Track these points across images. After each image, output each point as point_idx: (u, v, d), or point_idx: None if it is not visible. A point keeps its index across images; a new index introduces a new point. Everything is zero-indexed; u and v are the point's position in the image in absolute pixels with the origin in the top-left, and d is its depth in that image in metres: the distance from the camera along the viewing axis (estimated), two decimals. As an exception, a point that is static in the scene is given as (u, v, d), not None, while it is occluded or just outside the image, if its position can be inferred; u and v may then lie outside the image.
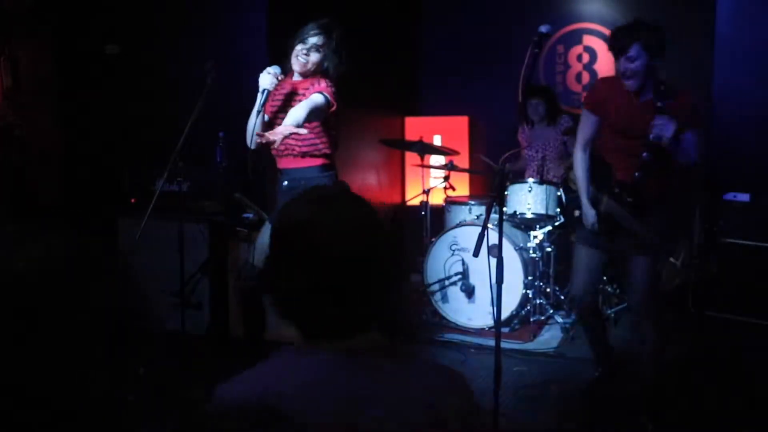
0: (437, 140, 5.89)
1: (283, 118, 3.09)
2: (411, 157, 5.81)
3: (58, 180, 4.89)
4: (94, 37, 4.97)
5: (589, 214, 3.11)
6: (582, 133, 3.18)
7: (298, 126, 2.89)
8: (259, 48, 4.62)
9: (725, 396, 3.34)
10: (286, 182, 3.20)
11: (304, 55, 3.10)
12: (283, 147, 3.10)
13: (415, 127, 6.05)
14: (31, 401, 0.71)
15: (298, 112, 2.95)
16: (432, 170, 5.33)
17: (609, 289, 4.56)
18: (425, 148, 4.73)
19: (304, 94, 3.12)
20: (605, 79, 3.27)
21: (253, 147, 3.18)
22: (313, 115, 3.01)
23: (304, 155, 3.16)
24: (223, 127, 4.16)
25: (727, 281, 4.33)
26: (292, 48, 3.13)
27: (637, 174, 2.94)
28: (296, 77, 3.20)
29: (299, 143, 3.13)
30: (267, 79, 3.05)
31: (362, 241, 1.17)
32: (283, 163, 3.22)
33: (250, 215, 4.15)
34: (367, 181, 5.67)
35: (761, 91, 4.50)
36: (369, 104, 5.41)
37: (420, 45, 6.32)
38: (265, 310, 3.34)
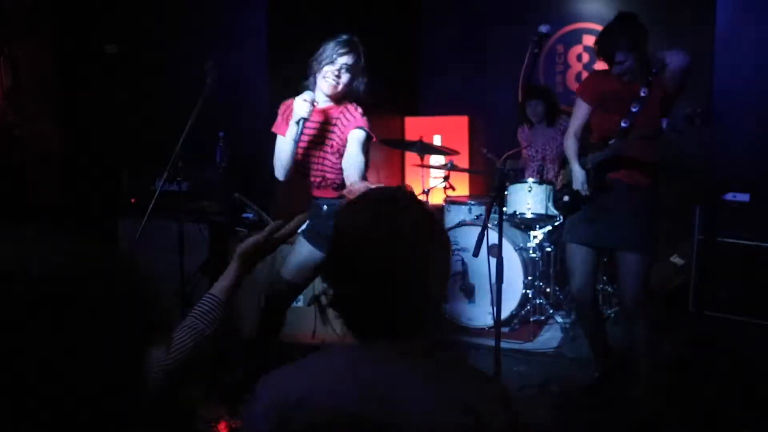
0: (437, 140, 5.89)
1: (311, 149, 2.98)
2: (411, 157, 5.82)
3: (58, 180, 4.89)
4: (94, 37, 4.97)
5: (579, 174, 3.21)
6: (574, 120, 3.32)
7: (364, 177, 2.85)
8: (259, 48, 4.62)
9: (725, 396, 3.35)
10: (325, 207, 3.08)
11: (335, 77, 2.89)
12: (320, 179, 3.02)
13: (414, 126, 6.05)
14: (31, 401, 0.71)
15: (359, 165, 2.86)
16: (432, 170, 5.33)
17: (609, 289, 4.56)
18: (425, 148, 4.73)
19: (336, 124, 2.98)
20: (597, 72, 3.39)
21: (282, 178, 3.04)
22: (365, 156, 2.94)
23: (340, 188, 3.02)
24: (223, 127, 4.16)
25: (727, 281, 4.33)
26: (317, 69, 2.92)
27: (611, 141, 3.08)
28: (323, 102, 3.01)
29: (339, 176, 3.01)
30: (304, 107, 2.84)
31: (416, 246, 1.18)
32: (320, 193, 3.10)
33: (250, 215, 4.15)
34: (368, 180, 5.67)
35: (761, 90, 4.50)
36: (369, 104, 5.41)
37: (420, 45, 6.33)
38: (285, 317, 3.30)
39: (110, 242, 0.84)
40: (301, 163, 3.04)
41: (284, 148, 2.97)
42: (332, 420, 1.12)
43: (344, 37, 2.94)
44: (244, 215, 4.21)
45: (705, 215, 4.48)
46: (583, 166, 3.22)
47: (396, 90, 6.05)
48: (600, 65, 3.23)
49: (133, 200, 4.43)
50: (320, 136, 3.01)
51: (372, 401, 1.13)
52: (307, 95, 2.87)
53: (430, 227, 1.23)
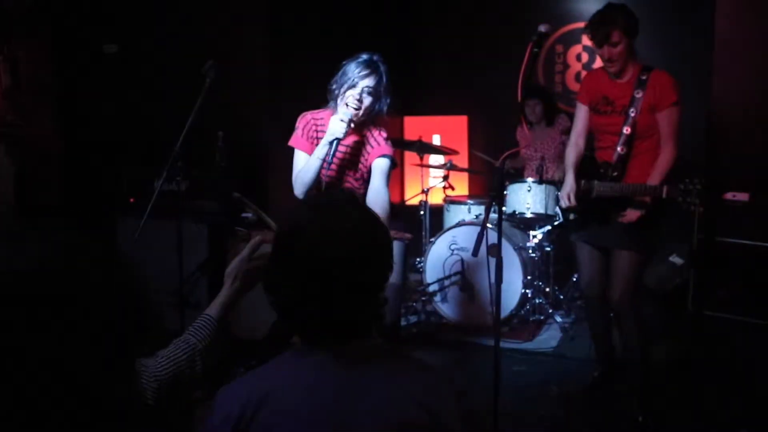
0: (436, 140, 5.89)
1: (334, 171, 2.90)
2: (410, 157, 5.81)
3: (58, 180, 4.89)
4: (94, 37, 4.97)
5: (569, 186, 3.20)
6: (575, 125, 3.33)
7: (389, 212, 2.80)
8: (259, 48, 4.63)
9: (724, 396, 3.35)
10: None
11: (356, 102, 2.78)
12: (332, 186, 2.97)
13: (414, 126, 6.05)
14: (31, 400, 0.71)
15: (384, 202, 2.80)
16: (431, 170, 5.33)
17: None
18: (424, 148, 4.73)
19: (361, 149, 2.94)
20: (590, 72, 3.44)
21: (302, 197, 2.92)
22: (388, 181, 2.90)
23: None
24: (222, 127, 4.16)
25: (727, 281, 4.33)
26: (338, 92, 2.83)
27: (619, 148, 3.08)
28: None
29: (363, 188, 2.98)
30: (341, 127, 2.75)
31: (357, 247, 1.18)
32: None
33: (250, 215, 4.15)
34: (367, 180, 5.67)
35: (761, 91, 4.50)
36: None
37: (419, 44, 6.32)
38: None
39: (106, 242, 0.83)
40: (320, 185, 2.93)
41: (310, 166, 2.84)
42: (288, 423, 1.13)
43: (365, 57, 2.84)
44: (244, 215, 4.20)
45: (705, 215, 4.47)
46: (587, 190, 3.17)
47: (396, 90, 6.04)
48: (599, 65, 3.22)
49: (132, 200, 4.43)
50: (343, 159, 2.94)
51: (326, 401, 1.14)
52: (345, 115, 2.76)
53: (371, 232, 1.22)
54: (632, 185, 3.05)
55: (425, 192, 4.85)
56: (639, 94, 3.03)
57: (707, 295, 4.41)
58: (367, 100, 2.81)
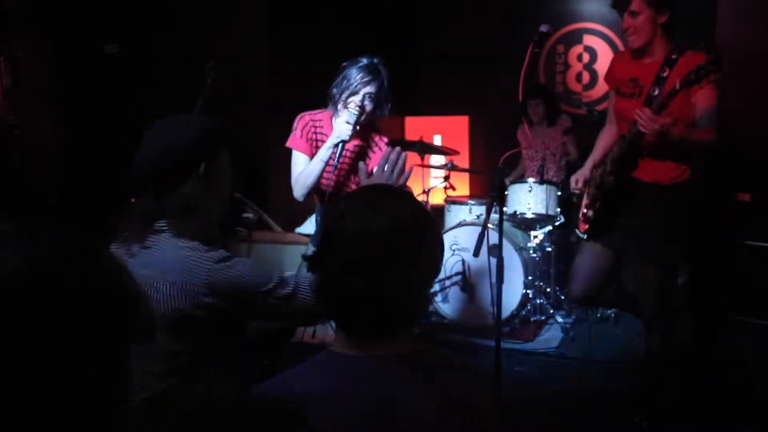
0: (437, 140, 5.89)
1: (335, 179, 2.87)
2: (411, 157, 5.80)
3: (58, 180, 4.89)
4: (94, 37, 4.97)
5: (586, 167, 3.02)
6: (608, 111, 3.11)
7: None
8: (259, 48, 4.62)
9: (725, 396, 3.34)
10: None
11: (358, 108, 2.76)
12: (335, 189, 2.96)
13: (415, 126, 6.05)
14: (29, 401, 0.71)
15: None
16: (432, 170, 5.33)
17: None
18: (425, 148, 4.73)
19: (361, 153, 2.94)
20: (618, 54, 3.18)
21: (301, 199, 2.91)
22: None
23: None
24: (222, 126, 4.15)
25: (727, 281, 4.33)
26: (338, 98, 2.80)
27: (632, 129, 2.69)
28: None
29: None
30: (347, 129, 2.73)
31: (407, 244, 1.17)
32: None
33: (250, 215, 4.15)
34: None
35: (762, 91, 4.49)
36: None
37: (420, 45, 6.32)
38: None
39: (97, 238, 0.82)
40: (320, 188, 2.91)
41: (312, 169, 2.82)
42: (326, 426, 1.11)
43: (365, 61, 2.81)
44: (244, 215, 4.20)
45: (705, 215, 4.47)
46: (606, 164, 2.91)
47: (396, 90, 6.04)
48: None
49: (133, 200, 4.42)
50: (345, 163, 2.91)
51: (364, 402, 1.12)
52: (350, 117, 2.74)
53: (425, 222, 1.22)
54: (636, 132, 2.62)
55: (426, 192, 4.84)
56: (665, 73, 2.69)
57: (707, 295, 4.40)
58: (369, 106, 2.79)
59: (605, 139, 3.06)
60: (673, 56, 2.71)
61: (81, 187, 4.85)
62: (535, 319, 4.53)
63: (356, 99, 2.77)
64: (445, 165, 4.77)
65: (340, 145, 2.75)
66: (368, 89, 2.77)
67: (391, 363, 1.16)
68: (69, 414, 0.72)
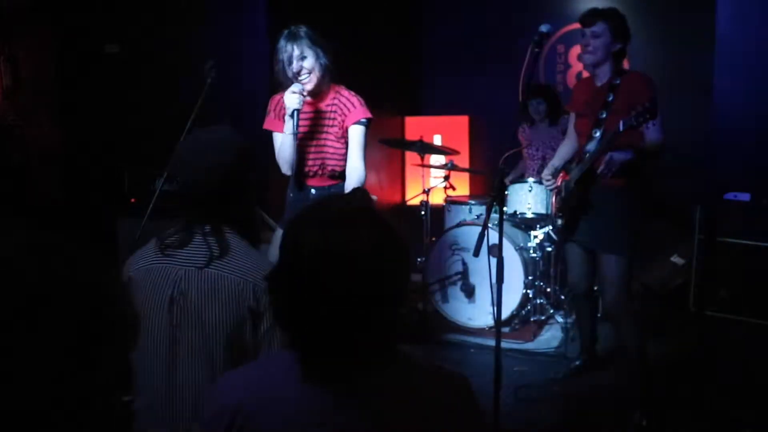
0: (437, 140, 5.89)
1: (310, 138, 3.02)
2: (411, 157, 5.81)
3: (58, 180, 4.89)
4: (94, 37, 4.97)
5: (549, 169, 3.42)
6: (568, 129, 3.57)
7: (363, 173, 2.98)
8: (259, 48, 4.62)
9: (726, 396, 3.34)
10: (314, 190, 3.11)
11: (296, 74, 2.92)
12: (317, 167, 3.05)
13: (415, 126, 6.05)
14: (27, 400, 0.70)
15: (360, 173, 2.97)
16: (432, 170, 5.33)
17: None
18: (425, 148, 4.73)
19: (335, 111, 3.01)
20: (580, 80, 3.61)
21: (289, 173, 3.06)
22: (365, 149, 3.02)
23: (337, 176, 3.08)
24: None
25: (728, 281, 4.33)
26: (282, 74, 2.96)
27: (585, 153, 3.13)
28: (313, 95, 3.04)
29: (340, 164, 3.06)
30: (294, 99, 2.88)
31: (362, 270, 1.09)
32: (315, 182, 3.11)
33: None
34: (368, 180, 5.66)
35: (761, 90, 4.50)
36: (369, 104, 5.40)
37: (420, 45, 6.32)
38: None
39: (111, 242, 0.81)
40: (299, 153, 3.06)
41: (284, 143, 3.00)
42: (285, 422, 1.11)
43: (284, 32, 2.98)
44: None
45: (705, 215, 4.47)
46: (570, 183, 3.30)
47: (396, 90, 6.04)
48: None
49: (133, 200, 4.42)
50: (318, 124, 3.05)
51: (325, 402, 1.11)
52: (295, 87, 2.90)
53: (383, 250, 1.12)
54: (596, 150, 3.04)
55: (426, 192, 4.84)
56: (610, 98, 3.07)
57: (708, 295, 4.40)
58: (307, 66, 2.92)
59: (565, 151, 3.49)
60: (616, 81, 3.08)
61: (81, 187, 4.85)
62: (535, 319, 4.53)
63: (293, 70, 2.92)
64: (445, 165, 4.77)
65: (295, 113, 2.88)
66: (295, 53, 2.91)
67: (344, 391, 1.12)
68: (42, 417, 0.72)
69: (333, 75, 3.02)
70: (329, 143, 3.04)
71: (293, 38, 2.94)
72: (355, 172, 2.99)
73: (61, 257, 0.76)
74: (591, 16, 3.08)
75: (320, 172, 3.08)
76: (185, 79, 3.63)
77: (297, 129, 2.91)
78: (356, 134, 2.99)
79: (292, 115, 2.89)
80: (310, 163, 3.07)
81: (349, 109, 2.99)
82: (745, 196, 4.37)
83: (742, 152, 4.53)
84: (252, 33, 4.62)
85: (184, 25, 4.77)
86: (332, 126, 3.02)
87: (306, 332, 1.12)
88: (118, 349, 0.78)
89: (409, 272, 1.21)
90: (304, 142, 3.05)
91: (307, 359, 1.13)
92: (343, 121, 3.00)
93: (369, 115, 3.01)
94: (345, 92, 3.04)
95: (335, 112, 3.02)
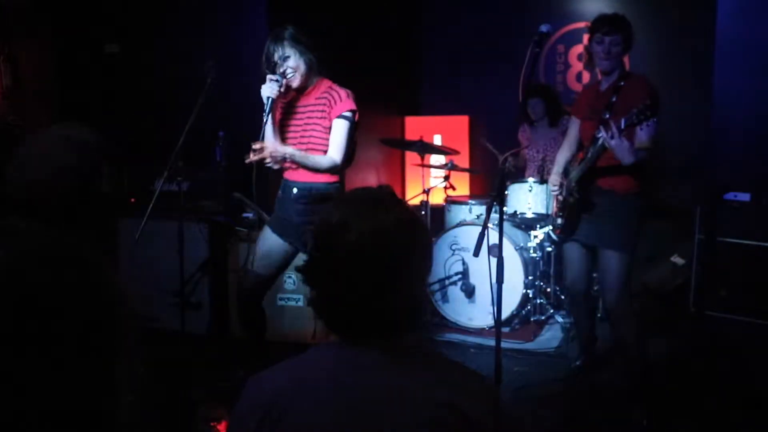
0: (437, 140, 5.89)
1: (297, 130, 3.10)
2: (411, 157, 5.81)
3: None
4: (94, 37, 4.97)
5: (554, 177, 3.44)
6: (568, 133, 3.57)
7: (337, 162, 3.03)
8: (259, 48, 4.62)
9: (725, 396, 3.34)
10: (296, 189, 3.15)
11: (291, 71, 3.05)
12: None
13: (415, 126, 6.05)
14: (29, 401, 0.70)
15: (334, 158, 3.03)
16: (432, 170, 5.33)
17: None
18: (425, 148, 4.73)
19: (324, 104, 3.08)
20: (584, 89, 3.68)
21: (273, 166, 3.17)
22: (347, 143, 3.06)
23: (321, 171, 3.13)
24: (223, 126, 4.15)
25: (728, 281, 4.33)
26: (266, 70, 3.07)
27: (588, 154, 3.16)
28: (302, 91, 3.16)
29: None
30: (270, 87, 3.01)
31: (399, 246, 1.18)
32: (295, 176, 3.16)
33: (250, 215, 4.15)
34: (367, 180, 5.67)
35: (761, 90, 4.50)
36: (369, 104, 5.40)
37: (420, 45, 6.32)
38: (265, 313, 3.34)
39: (78, 239, 0.80)
40: (288, 144, 3.14)
41: (265, 131, 3.10)
42: (311, 420, 1.13)
43: (270, 37, 3.07)
44: (244, 215, 4.20)
45: (705, 215, 4.47)
46: (570, 182, 3.31)
47: (396, 90, 6.04)
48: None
49: (132, 200, 4.42)
50: (307, 117, 3.12)
51: (357, 398, 1.13)
52: (270, 76, 3.01)
53: (413, 225, 1.23)
54: (596, 149, 3.08)
55: (426, 192, 4.84)
56: (614, 99, 3.12)
57: (709, 295, 4.40)
58: (291, 65, 3.03)
59: (564, 155, 3.50)
60: (621, 83, 3.14)
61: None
62: (535, 319, 4.53)
63: (280, 71, 3.05)
64: (445, 165, 4.77)
65: (269, 100, 3.00)
66: (278, 53, 3.03)
67: (379, 358, 1.17)
68: (45, 415, 0.72)
69: (320, 69, 3.12)
70: (315, 134, 3.11)
71: (275, 40, 3.05)
72: (327, 158, 3.05)
73: (62, 257, 0.76)
74: (612, 25, 3.10)
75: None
76: (185, 79, 3.64)
77: (268, 117, 3.03)
78: (338, 127, 3.07)
79: (267, 100, 2.99)
80: None
81: (335, 101, 3.07)
82: (745, 196, 4.36)
83: (742, 152, 4.53)
84: (252, 33, 4.62)
85: (184, 25, 4.77)
86: (321, 118, 3.10)
87: (346, 314, 1.19)
88: (121, 349, 0.78)
89: (431, 251, 1.30)
90: (294, 134, 3.16)
91: (348, 339, 1.20)
92: (330, 112, 3.07)
93: (353, 107, 3.06)
94: (336, 87, 3.11)
95: (324, 104, 3.09)
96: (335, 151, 3.06)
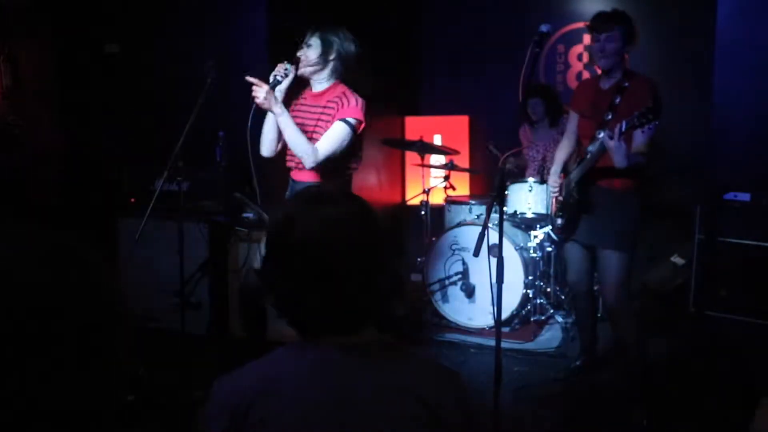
0: (437, 140, 5.89)
1: (305, 129, 3.04)
2: (411, 157, 5.81)
3: (58, 180, 4.89)
4: (94, 37, 4.97)
5: (553, 177, 3.43)
6: (567, 128, 3.53)
7: (317, 156, 2.94)
8: (259, 48, 4.62)
9: (725, 396, 3.34)
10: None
11: (302, 55, 3.05)
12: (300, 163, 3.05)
13: (415, 126, 6.05)
14: (28, 401, 0.70)
15: (319, 150, 2.95)
16: (432, 170, 5.33)
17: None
18: (425, 148, 4.73)
19: (332, 107, 3.02)
20: (583, 81, 3.62)
21: (266, 154, 3.17)
22: (338, 147, 2.98)
23: (329, 172, 3.06)
24: (223, 127, 4.15)
25: (728, 281, 4.33)
26: (282, 64, 3.07)
27: (587, 153, 3.15)
28: (316, 87, 3.13)
29: (329, 160, 3.05)
30: (280, 68, 3.00)
31: (350, 238, 1.18)
32: (302, 176, 3.12)
33: (250, 215, 4.15)
34: (368, 180, 5.67)
35: (761, 91, 4.49)
36: (369, 104, 5.40)
37: (420, 45, 6.32)
38: (266, 312, 3.34)
39: (78, 239, 0.80)
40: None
41: (267, 119, 3.11)
42: (279, 420, 1.13)
43: (317, 23, 3.11)
44: (244, 215, 4.20)
45: (705, 215, 4.47)
46: (570, 182, 3.31)
47: (396, 90, 6.04)
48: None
49: (132, 200, 4.42)
50: (316, 118, 3.07)
51: (323, 395, 1.14)
52: (284, 64, 3.01)
53: (359, 217, 1.22)
54: (597, 150, 3.08)
55: (426, 192, 4.84)
56: (617, 100, 3.10)
57: (709, 295, 4.40)
58: (309, 52, 3.04)
59: (563, 152, 3.48)
60: (625, 84, 3.11)
61: (81, 187, 4.85)
62: (535, 319, 4.53)
63: (300, 50, 3.07)
64: (445, 165, 4.77)
65: (274, 78, 2.98)
66: (306, 37, 3.07)
67: (350, 355, 1.18)
68: (69, 410, 0.72)
69: (339, 73, 3.09)
70: (318, 137, 3.05)
71: (313, 28, 3.08)
72: (309, 146, 2.95)
73: (62, 257, 0.76)
74: (607, 22, 3.08)
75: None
76: (185, 79, 3.64)
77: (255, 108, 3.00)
78: (336, 127, 2.99)
79: (271, 83, 2.96)
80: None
81: (343, 105, 3.01)
82: (745, 196, 4.36)
83: (742, 152, 4.53)
84: (252, 33, 4.62)
85: (184, 25, 4.76)
86: (328, 122, 3.04)
87: (306, 310, 1.19)
88: (121, 349, 0.78)
89: (384, 243, 1.27)
90: (301, 131, 3.10)
91: (311, 335, 1.20)
92: (335, 115, 3.03)
93: (359, 116, 2.99)
94: (350, 94, 3.05)
95: (333, 108, 3.04)
96: (321, 145, 2.96)
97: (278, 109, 2.92)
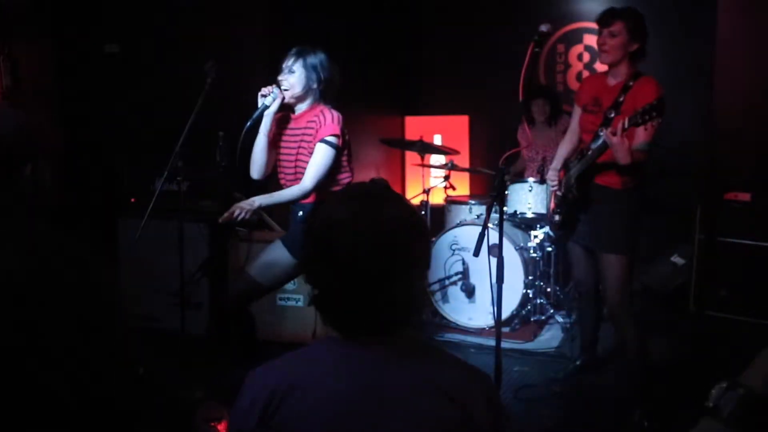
0: (437, 140, 5.89)
1: (290, 153, 3.05)
2: (411, 157, 5.81)
3: (59, 180, 4.89)
4: (94, 37, 4.97)
5: (553, 172, 3.40)
6: (571, 123, 3.51)
7: (308, 190, 2.96)
8: (259, 48, 4.62)
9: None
10: (301, 213, 3.10)
11: (287, 85, 3.02)
12: (294, 183, 3.04)
13: (415, 126, 6.05)
14: (29, 401, 0.70)
15: (306, 186, 2.96)
16: (432, 170, 5.33)
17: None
18: (425, 148, 4.73)
19: (312, 128, 3.01)
20: (590, 75, 3.58)
21: (256, 176, 3.17)
22: (325, 170, 2.97)
23: (318, 193, 3.06)
24: (223, 127, 4.14)
25: (728, 281, 4.33)
26: (269, 89, 3.10)
27: (588, 150, 3.13)
28: (297, 109, 3.12)
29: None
30: (268, 95, 3.04)
31: (399, 239, 1.18)
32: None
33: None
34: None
35: (761, 90, 4.49)
36: (369, 103, 5.41)
37: (420, 44, 6.32)
38: (253, 317, 3.32)
39: (78, 240, 0.80)
40: (280, 168, 3.13)
41: (256, 142, 3.10)
42: (311, 415, 1.13)
43: (296, 47, 3.08)
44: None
45: (705, 215, 4.47)
46: (569, 179, 3.29)
47: (396, 90, 6.04)
48: (601, 65, 3.26)
49: (132, 200, 4.42)
50: (298, 140, 3.06)
51: (356, 392, 1.14)
52: (268, 88, 3.04)
53: (411, 219, 1.22)
54: (598, 147, 3.05)
55: (426, 192, 4.84)
56: (621, 98, 3.08)
57: (709, 295, 4.40)
58: (290, 77, 3.01)
59: (566, 148, 3.45)
60: (630, 83, 3.07)
61: (81, 187, 4.85)
62: (535, 319, 4.53)
63: (280, 76, 3.06)
64: (446, 165, 4.77)
65: (262, 105, 3.04)
66: (288, 63, 3.04)
67: (381, 351, 1.18)
68: (69, 410, 0.72)
69: (320, 98, 3.06)
70: (302, 158, 3.04)
71: (295, 54, 3.04)
72: (297, 188, 2.98)
73: (62, 257, 0.76)
74: (608, 16, 3.07)
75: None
76: (185, 79, 3.64)
77: (254, 118, 3.04)
78: (318, 152, 2.97)
79: (259, 107, 3.01)
80: (289, 177, 3.09)
81: (320, 125, 2.99)
82: (745, 196, 4.36)
83: (742, 152, 4.53)
84: (252, 33, 4.62)
85: (184, 25, 4.76)
86: (309, 143, 3.02)
87: (347, 312, 1.19)
88: (121, 349, 0.78)
89: (429, 245, 1.30)
90: (286, 156, 3.11)
91: (348, 336, 1.20)
92: (314, 136, 3.00)
93: (336, 131, 2.97)
94: (326, 111, 3.03)
95: (312, 128, 3.02)
96: (308, 177, 2.97)
97: (257, 204, 2.97)
